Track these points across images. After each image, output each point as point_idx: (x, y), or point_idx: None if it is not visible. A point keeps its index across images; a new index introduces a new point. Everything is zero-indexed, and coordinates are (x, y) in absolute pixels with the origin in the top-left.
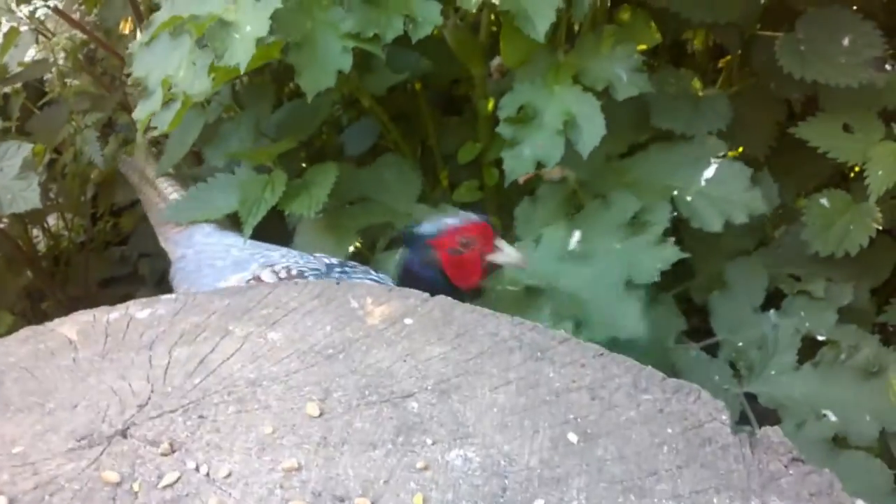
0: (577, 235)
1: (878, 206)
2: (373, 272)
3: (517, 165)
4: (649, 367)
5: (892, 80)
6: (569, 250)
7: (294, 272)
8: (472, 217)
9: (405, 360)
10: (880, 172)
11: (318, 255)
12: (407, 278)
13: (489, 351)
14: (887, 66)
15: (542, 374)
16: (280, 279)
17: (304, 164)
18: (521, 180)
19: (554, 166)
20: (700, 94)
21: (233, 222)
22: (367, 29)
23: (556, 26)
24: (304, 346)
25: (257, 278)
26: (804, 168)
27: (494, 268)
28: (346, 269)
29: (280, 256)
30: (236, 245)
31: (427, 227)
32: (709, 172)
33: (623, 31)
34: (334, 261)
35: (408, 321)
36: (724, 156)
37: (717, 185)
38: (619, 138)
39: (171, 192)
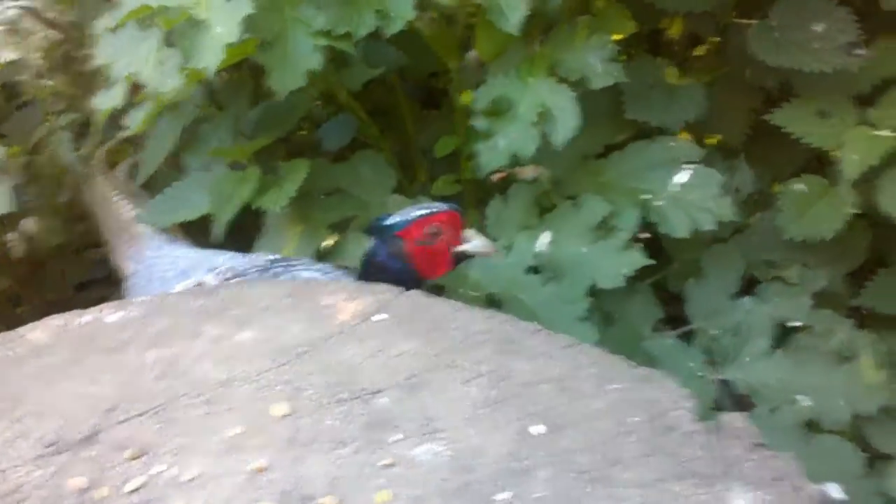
0: (546, 237)
1: (855, 189)
2: (316, 263)
3: (492, 158)
4: (617, 356)
5: (865, 65)
6: (537, 261)
7: (237, 272)
8: (441, 206)
9: (376, 356)
10: (854, 157)
11: (259, 253)
12: (374, 270)
13: (461, 344)
14: (860, 51)
15: (512, 366)
16: (224, 280)
17: (283, 161)
18: (494, 178)
19: (529, 165)
20: (675, 83)
21: (186, 232)
22: (338, 26)
23: (530, 18)
24: (276, 346)
25: (201, 283)
26: (781, 154)
27: (463, 257)
28: (289, 263)
29: (224, 260)
30: (183, 255)
31: (394, 218)
32: (680, 178)
33: (597, 22)
34: (276, 256)
35: (380, 317)
36: (697, 161)
37: (687, 190)
38: (595, 137)
39: (127, 208)
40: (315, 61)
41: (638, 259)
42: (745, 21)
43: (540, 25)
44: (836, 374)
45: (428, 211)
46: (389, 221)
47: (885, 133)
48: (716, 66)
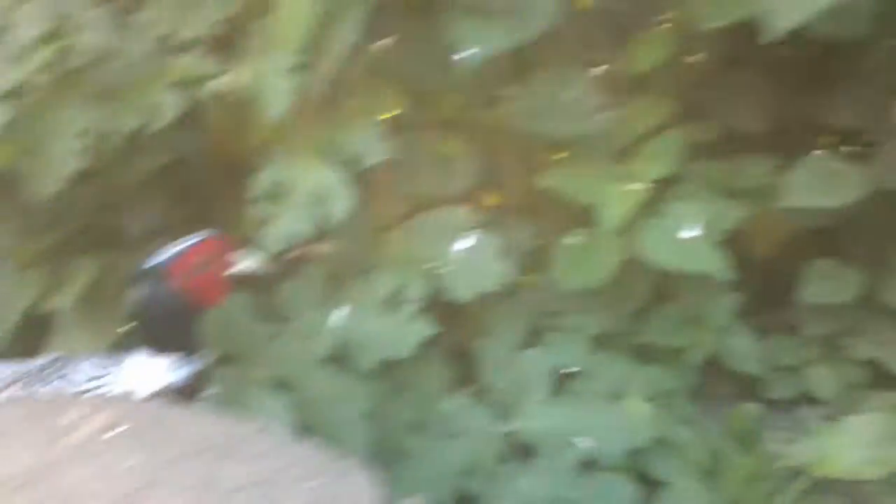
0: (341, 312)
1: (622, 238)
2: (97, 359)
3: (273, 242)
4: (327, 455)
5: (613, 127)
6: (331, 338)
7: (8, 381)
8: (203, 235)
9: (102, 476)
10: (611, 210)
11: (42, 355)
12: (149, 317)
13: (184, 454)
14: (607, 114)
15: (224, 472)
16: None
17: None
18: (288, 258)
19: (319, 242)
20: (451, 153)
21: None
22: (102, 125)
23: (301, 101)
24: (3, 478)
25: None
26: (559, 210)
27: (237, 280)
28: (65, 364)
29: None
30: None
31: (157, 258)
32: (463, 244)
33: (368, 101)
34: (49, 359)
35: (116, 431)
36: (479, 226)
37: (470, 256)
38: (381, 210)
39: None
40: (75, 163)
41: (426, 328)
42: (514, 90)
43: (312, 108)
44: (609, 412)
45: (191, 242)
46: (154, 263)
47: (637, 186)
48: (490, 133)
